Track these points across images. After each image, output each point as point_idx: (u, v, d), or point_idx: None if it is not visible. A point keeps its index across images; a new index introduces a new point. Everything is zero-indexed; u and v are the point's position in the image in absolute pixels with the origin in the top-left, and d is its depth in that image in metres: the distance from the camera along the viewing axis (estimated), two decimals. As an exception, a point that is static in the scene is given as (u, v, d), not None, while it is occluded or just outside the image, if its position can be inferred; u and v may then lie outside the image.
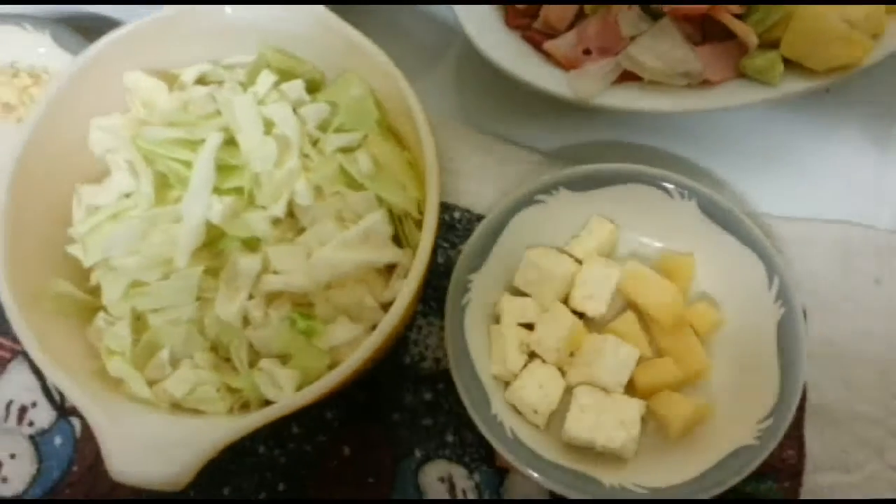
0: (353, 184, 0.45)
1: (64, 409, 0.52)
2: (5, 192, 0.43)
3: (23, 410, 0.52)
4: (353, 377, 0.41)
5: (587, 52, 0.53)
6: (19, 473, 0.51)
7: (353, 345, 0.43)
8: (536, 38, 0.55)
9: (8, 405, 0.52)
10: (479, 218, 0.53)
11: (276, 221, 0.44)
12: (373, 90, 0.46)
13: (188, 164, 0.44)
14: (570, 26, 0.55)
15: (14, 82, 0.56)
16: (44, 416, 0.52)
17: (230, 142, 0.44)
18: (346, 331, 0.43)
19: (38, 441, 0.51)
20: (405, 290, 0.39)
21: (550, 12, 0.54)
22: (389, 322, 0.39)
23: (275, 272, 0.44)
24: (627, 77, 0.52)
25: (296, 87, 0.47)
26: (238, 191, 0.44)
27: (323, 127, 0.47)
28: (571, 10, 0.54)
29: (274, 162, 0.44)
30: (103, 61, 0.45)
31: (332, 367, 0.41)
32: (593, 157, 0.55)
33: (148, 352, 0.43)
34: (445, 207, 0.53)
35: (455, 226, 0.52)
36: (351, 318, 0.43)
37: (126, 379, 0.42)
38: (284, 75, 0.47)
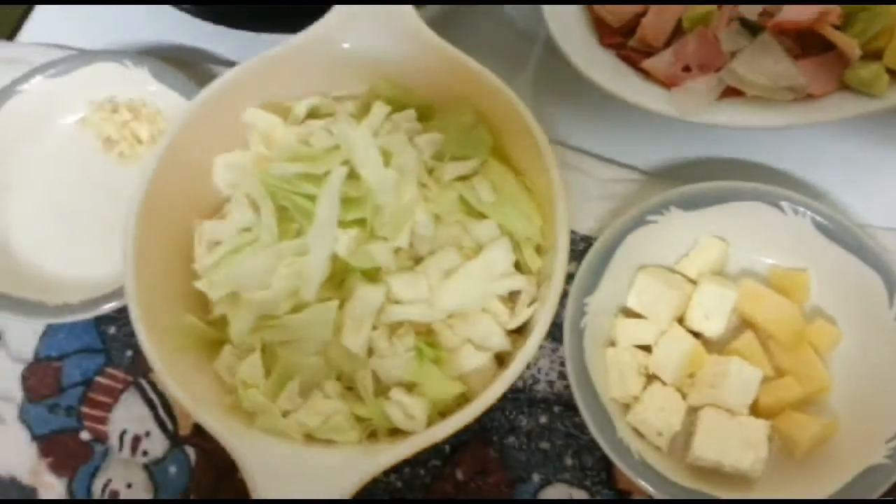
0: (473, 212, 0.45)
1: (177, 438, 0.53)
2: (134, 226, 0.44)
3: (136, 440, 0.53)
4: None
5: (686, 69, 0.53)
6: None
7: (479, 373, 0.43)
8: (632, 57, 0.55)
9: (122, 435, 0.53)
10: (584, 238, 0.53)
11: (396, 251, 0.45)
12: (485, 115, 0.46)
13: (312, 198, 0.44)
14: (667, 43, 0.55)
15: (114, 117, 0.57)
16: (157, 445, 0.53)
17: (351, 174, 0.45)
18: (473, 359, 0.43)
19: (152, 470, 0.52)
20: (542, 320, 0.40)
21: (647, 29, 0.54)
22: (528, 352, 0.39)
23: (397, 302, 0.44)
24: (729, 93, 0.52)
25: (408, 117, 0.47)
26: (360, 223, 0.45)
27: (437, 156, 0.47)
28: (669, 26, 0.54)
29: (395, 193, 0.44)
30: (222, 98, 0.46)
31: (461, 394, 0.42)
32: (690, 174, 0.55)
33: (279, 384, 0.44)
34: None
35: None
36: (475, 346, 0.44)
37: (261, 411, 0.43)
38: (395, 105, 0.48)
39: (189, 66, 0.59)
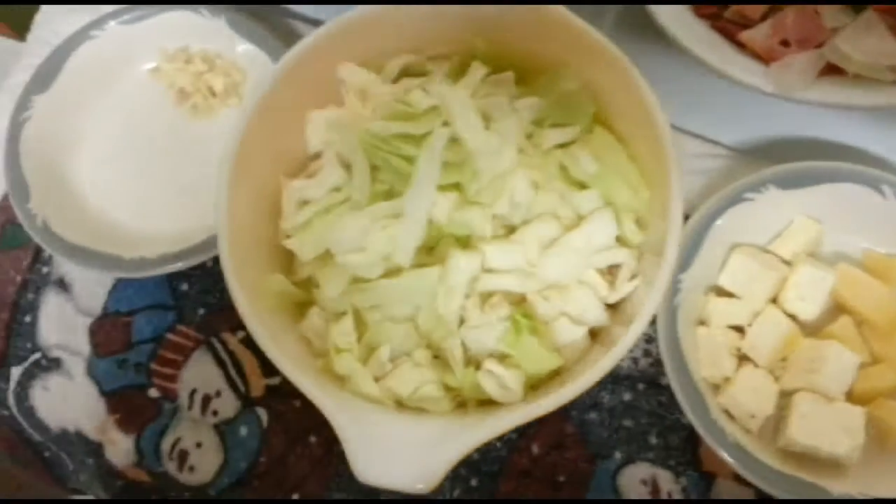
0: (572, 181, 0.44)
1: (249, 399, 0.52)
2: (226, 181, 0.42)
3: (206, 400, 0.52)
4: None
5: (785, 43, 0.51)
6: (206, 463, 0.52)
7: (573, 348, 0.42)
8: (728, 28, 0.53)
9: (192, 394, 0.52)
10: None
11: (499, 218, 0.43)
12: (586, 80, 0.45)
13: (409, 160, 0.43)
14: (764, 16, 0.53)
15: (188, 68, 0.56)
16: (228, 405, 0.52)
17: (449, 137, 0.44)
18: (568, 333, 0.42)
19: (223, 431, 0.52)
20: (651, 298, 0.38)
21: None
22: (637, 330, 0.38)
23: (491, 271, 0.43)
24: (827, 71, 0.50)
25: (506, 80, 0.46)
26: (457, 187, 0.43)
27: (537, 122, 0.45)
28: (769, -4, 0.52)
29: (495, 157, 0.43)
30: (315, 53, 0.45)
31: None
32: (778, 153, 0.54)
33: (369, 349, 0.43)
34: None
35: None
36: (571, 319, 0.43)
37: (353, 376, 0.42)
38: (493, 66, 0.46)
39: (263, 19, 0.57)
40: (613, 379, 0.49)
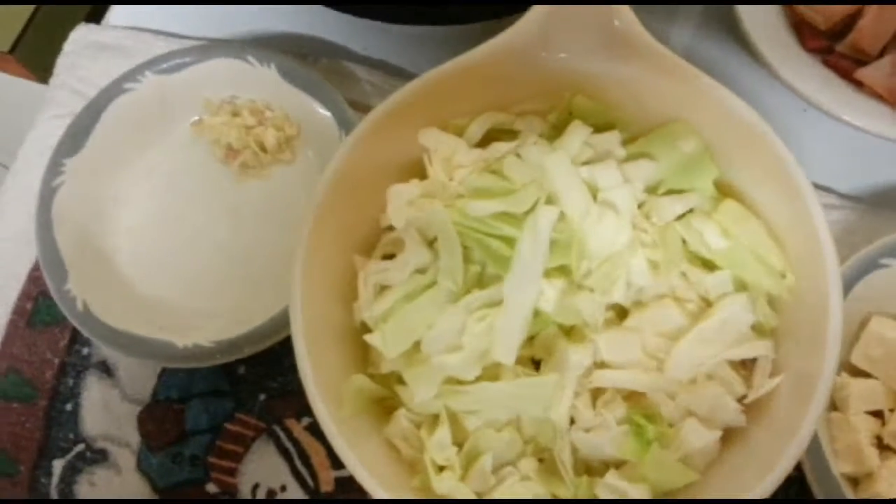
0: (695, 259, 0.38)
1: (318, 493, 0.47)
2: (301, 269, 0.37)
3: (271, 494, 0.47)
4: None
5: (911, 82, 0.46)
6: (272, 562, 0.46)
7: (704, 453, 0.37)
8: (841, 65, 0.47)
9: (254, 489, 0.47)
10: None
11: (613, 305, 0.38)
12: (707, 140, 0.39)
13: (510, 241, 0.37)
14: (883, 51, 0.47)
15: (235, 122, 0.50)
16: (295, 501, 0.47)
17: (553, 213, 0.38)
18: (699, 437, 0.37)
19: (289, 528, 0.47)
20: (812, 410, 0.33)
21: (863, 33, 0.47)
22: (799, 447, 0.33)
23: (605, 366, 0.38)
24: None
25: (612, 141, 0.40)
26: (564, 270, 0.38)
27: (650, 189, 0.40)
28: (890, 29, 0.46)
29: (608, 235, 0.38)
30: (395, 116, 0.39)
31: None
32: None
33: (468, 460, 0.38)
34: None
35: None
36: (701, 421, 0.37)
37: (453, 494, 0.36)
38: (595, 125, 0.40)
39: (313, 63, 0.52)
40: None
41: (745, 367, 0.38)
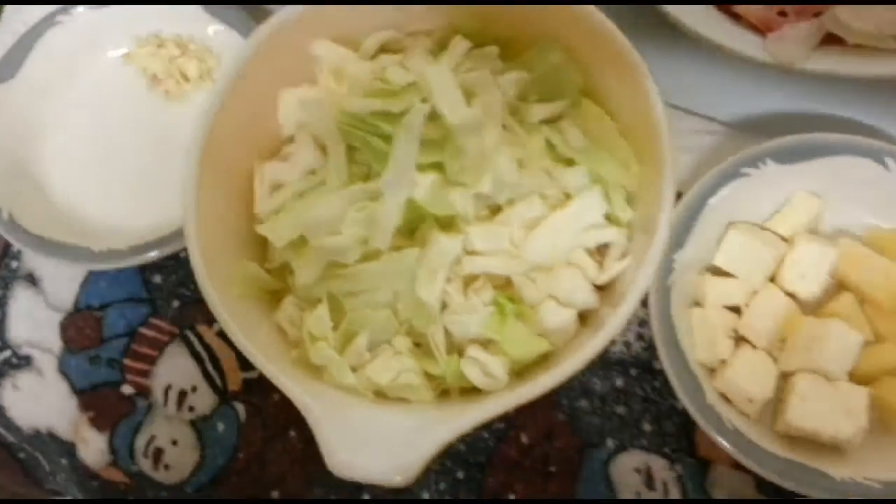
0: (559, 158, 0.42)
1: (226, 394, 0.50)
2: (194, 168, 0.40)
3: (182, 395, 0.50)
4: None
5: (782, 13, 0.49)
6: (182, 461, 0.50)
7: (562, 332, 0.40)
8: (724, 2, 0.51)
9: (166, 390, 0.50)
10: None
11: (483, 198, 0.41)
12: (574, 53, 0.43)
13: (387, 139, 0.41)
14: (765, -14, 0.51)
15: (160, 53, 0.53)
16: (205, 401, 0.50)
17: (428, 114, 0.42)
18: (556, 316, 0.40)
19: (199, 427, 0.50)
20: (640, 278, 0.36)
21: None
22: (625, 312, 0.36)
23: (475, 253, 0.41)
24: (826, 41, 0.48)
25: (490, 54, 0.44)
26: (438, 166, 0.41)
27: (521, 96, 0.43)
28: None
29: (476, 135, 0.41)
30: (286, 31, 0.42)
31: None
32: (777, 128, 0.51)
33: (346, 337, 0.41)
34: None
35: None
36: (559, 302, 0.41)
37: (330, 366, 0.40)
38: (476, 41, 0.44)
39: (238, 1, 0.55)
40: (604, 364, 0.47)
41: (602, 253, 0.42)
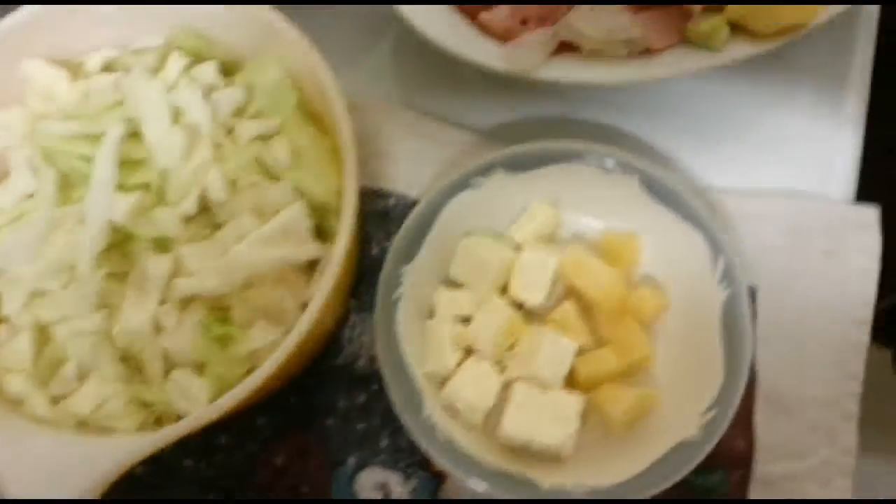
0: (271, 174, 0.42)
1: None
2: None
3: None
4: (273, 384, 0.38)
5: (524, 22, 0.50)
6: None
7: (273, 349, 0.40)
8: (471, 9, 0.51)
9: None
10: (416, 204, 0.50)
11: (189, 219, 0.41)
12: (292, 73, 0.43)
13: (90, 161, 0.40)
14: (509, -7, 0.51)
15: None
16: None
17: (135, 134, 0.41)
18: (265, 334, 0.40)
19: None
20: (322, 287, 0.36)
21: (486, -19, 0.51)
22: (306, 322, 0.36)
23: (189, 274, 0.41)
24: (567, 48, 0.49)
25: (208, 71, 0.43)
26: (144, 187, 0.41)
27: (238, 113, 0.43)
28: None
29: (182, 154, 0.41)
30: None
31: (250, 373, 0.39)
32: (533, 134, 0.52)
33: (52, 366, 0.40)
34: (379, 195, 0.50)
35: (390, 214, 0.49)
36: (270, 320, 0.40)
37: (25, 398, 0.39)
38: (197, 58, 0.44)
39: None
40: (350, 380, 0.47)
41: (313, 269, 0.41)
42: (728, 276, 0.42)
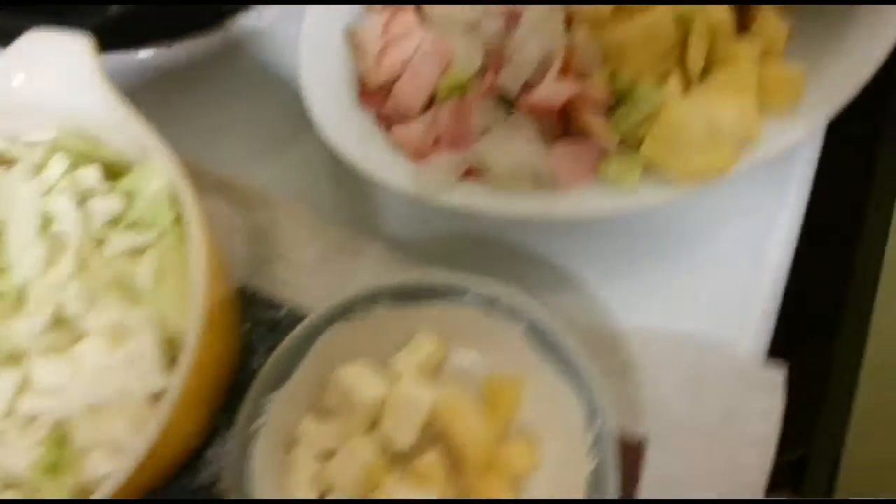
0: (132, 296, 0.40)
1: None
2: None
3: None
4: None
5: (436, 142, 0.48)
6: None
7: (109, 480, 0.38)
8: (388, 123, 0.50)
9: None
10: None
11: (46, 328, 0.40)
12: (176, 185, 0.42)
13: (-55, 264, 0.39)
14: (427, 109, 0.50)
15: None
16: None
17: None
18: (102, 465, 0.38)
19: None
20: (159, 417, 0.35)
21: (403, 92, 0.49)
22: (138, 453, 0.35)
23: (39, 391, 0.39)
24: (476, 173, 0.47)
25: (91, 175, 0.42)
26: (1, 295, 0.40)
27: (115, 221, 0.42)
28: (426, 90, 0.49)
29: (42, 266, 0.40)
30: None
31: None
32: (442, 251, 0.51)
33: None
34: (270, 305, 0.49)
35: (278, 327, 0.48)
36: (107, 451, 0.39)
37: None
38: (83, 159, 0.43)
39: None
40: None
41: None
42: (599, 445, 0.40)
